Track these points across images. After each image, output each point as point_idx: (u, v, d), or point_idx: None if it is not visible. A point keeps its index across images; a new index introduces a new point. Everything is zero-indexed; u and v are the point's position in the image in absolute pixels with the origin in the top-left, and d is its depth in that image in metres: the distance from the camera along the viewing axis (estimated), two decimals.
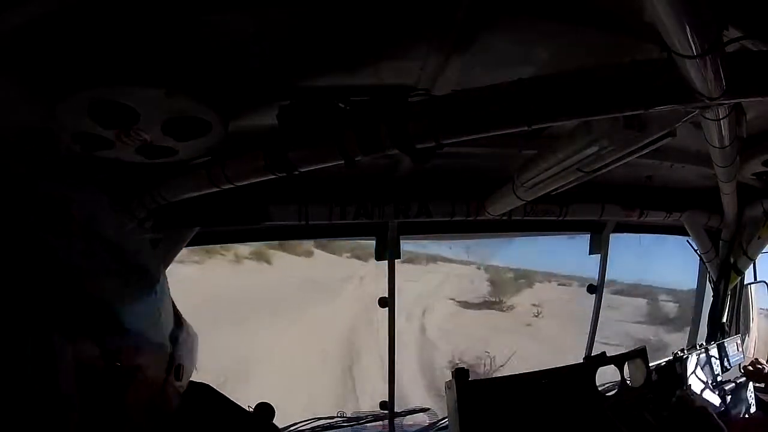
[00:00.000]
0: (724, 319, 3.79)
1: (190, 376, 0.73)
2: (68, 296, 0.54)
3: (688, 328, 4.19)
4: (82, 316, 0.54)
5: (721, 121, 1.83)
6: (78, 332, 0.53)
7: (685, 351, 3.27)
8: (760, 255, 3.69)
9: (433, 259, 19.05)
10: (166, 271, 2.77)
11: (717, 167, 2.40)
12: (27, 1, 1.24)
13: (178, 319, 0.70)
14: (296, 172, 1.93)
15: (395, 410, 3.24)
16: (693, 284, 4.17)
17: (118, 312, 0.58)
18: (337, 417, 3.21)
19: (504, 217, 2.91)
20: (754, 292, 3.90)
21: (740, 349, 3.67)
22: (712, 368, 3.41)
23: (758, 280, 3.89)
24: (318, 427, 3.09)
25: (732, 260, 3.69)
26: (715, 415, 2.77)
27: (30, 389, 0.48)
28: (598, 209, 3.13)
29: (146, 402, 0.62)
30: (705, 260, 3.75)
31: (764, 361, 3.41)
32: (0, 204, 0.52)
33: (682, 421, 2.66)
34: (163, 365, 0.65)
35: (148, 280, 0.66)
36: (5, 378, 0.47)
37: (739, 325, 3.89)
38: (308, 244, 15.55)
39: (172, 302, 0.72)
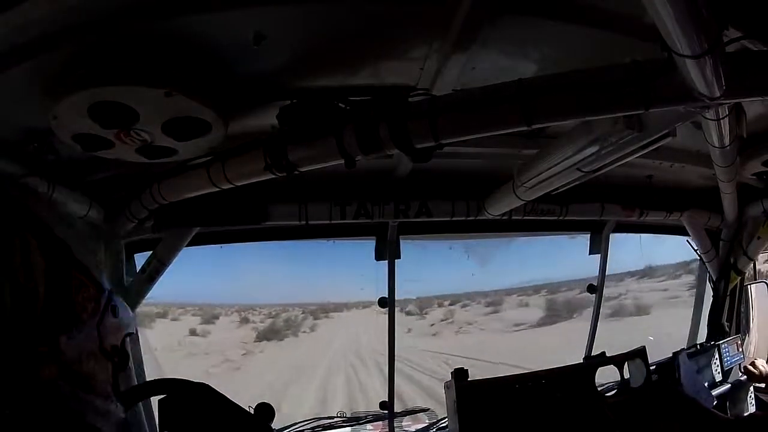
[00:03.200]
0: (724, 320, 3.79)
1: (124, 332, 0.90)
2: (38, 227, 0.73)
3: None
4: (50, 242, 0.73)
5: (721, 120, 1.83)
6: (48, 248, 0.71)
7: (685, 351, 3.27)
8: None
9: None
10: (165, 271, 2.77)
11: (717, 167, 2.40)
12: (27, 2, 1.24)
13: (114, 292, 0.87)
14: (296, 172, 1.93)
15: (394, 410, 3.23)
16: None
17: (73, 249, 0.76)
18: (337, 417, 3.22)
19: (504, 217, 2.91)
20: (754, 292, 3.89)
21: (740, 350, 3.66)
22: (711, 368, 3.41)
23: (758, 280, 3.89)
24: (318, 427, 3.09)
25: (732, 260, 3.68)
26: (706, 406, 2.77)
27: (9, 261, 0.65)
28: (597, 209, 3.13)
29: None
30: (705, 260, 3.75)
31: (764, 362, 3.41)
32: None
33: (674, 414, 2.66)
34: (104, 297, 0.82)
35: (93, 249, 0.89)
36: None
37: (739, 325, 3.88)
38: None
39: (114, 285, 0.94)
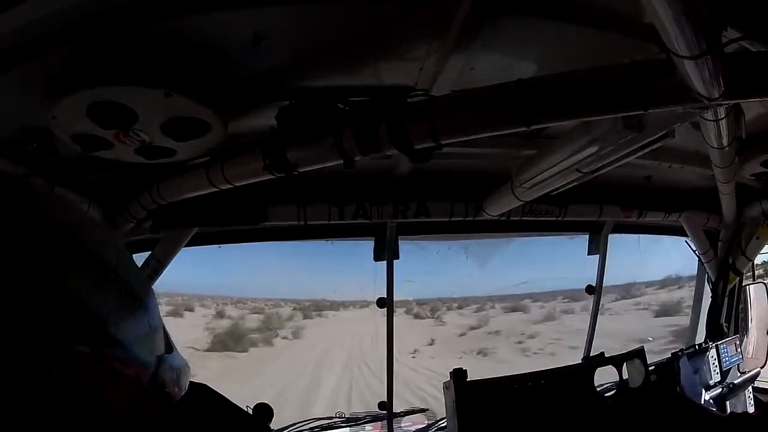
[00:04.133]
0: (723, 320, 3.79)
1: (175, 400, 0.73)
2: (64, 304, 0.57)
3: None
4: (75, 323, 0.56)
5: (720, 121, 1.83)
6: (70, 336, 0.55)
7: (684, 351, 3.28)
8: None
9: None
10: (166, 270, 2.77)
11: (716, 168, 2.40)
12: (27, 2, 1.23)
13: (169, 345, 0.71)
14: (295, 173, 1.93)
15: (393, 410, 3.23)
16: None
17: (110, 324, 0.60)
18: (336, 417, 3.22)
19: (503, 218, 2.91)
20: (753, 293, 3.90)
21: (738, 350, 3.67)
22: (710, 369, 3.42)
23: (757, 280, 3.90)
24: (317, 427, 3.09)
25: (731, 261, 3.69)
26: (704, 406, 2.78)
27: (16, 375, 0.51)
28: (596, 209, 3.13)
29: (124, 402, 0.62)
30: (704, 261, 3.75)
31: None
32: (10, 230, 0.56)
33: (672, 414, 2.67)
34: (145, 381, 0.66)
35: (139, 299, 0.67)
36: None
37: (738, 325, 3.89)
38: None
39: (164, 328, 0.73)
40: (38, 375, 0.52)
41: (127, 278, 0.67)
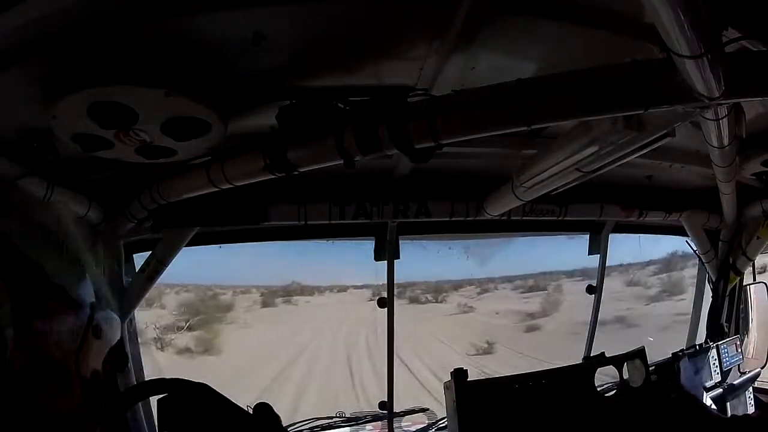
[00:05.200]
0: (723, 320, 3.79)
1: (110, 345, 0.82)
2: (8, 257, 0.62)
3: None
4: (21, 272, 0.62)
5: (721, 121, 1.83)
6: (17, 282, 0.61)
7: (684, 351, 3.28)
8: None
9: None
10: (166, 270, 2.76)
11: (716, 167, 2.40)
12: (27, 2, 1.23)
13: (105, 302, 0.78)
14: (296, 172, 1.93)
15: (394, 410, 3.24)
16: None
17: (48, 271, 0.67)
18: (336, 417, 3.22)
19: (503, 217, 2.91)
20: (754, 293, 3.90)
21: (739, 350, 3.67)
22: (710, 369, 3.42)
23: (757, 280, 3.90)
24: (317, 427, 3.10)
25: (731, 260, 3.69)
26: (705, 406, 2.78)
27: None
28: (597, 209, 3.13)
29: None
30: (704, 260, 3.75)
31: None
32: None
33: (673, 412, 2.67)
34: (83, 320, 0.73)
35: (77, 260, 0.75)
36: None
37: (738, 325, 3.89)
38: None
39: (106, 290, 0.83)
40: None
41: (68, 243, 0.76)
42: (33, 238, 0.64)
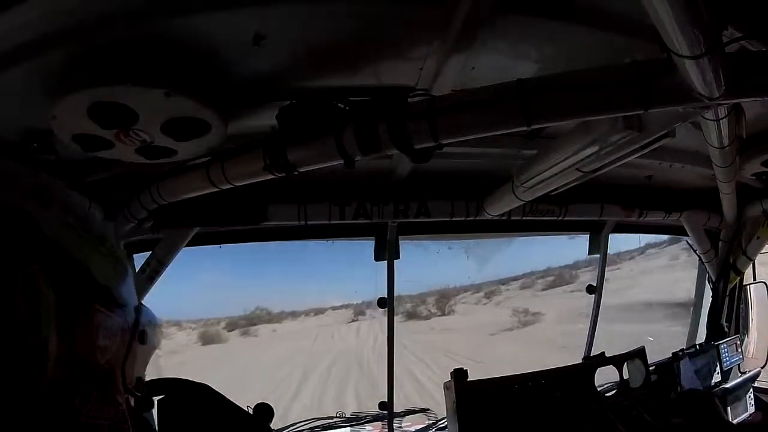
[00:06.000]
0: (723, 320, 3.79)
1: (154, 351, 0.77)
2: (52, 254, 0.59)
3: None
4: (65, 270, 0.59)
5: (721, 121, 1.83)
6: (60, 280, 0.57)
7: (685, 351, 3.28)
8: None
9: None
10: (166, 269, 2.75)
11: (716, 167, 2.40)
12: (27, 2, 1.23)
13: (140, 302, 0.73)
14: (296, 173, 1.93)
15: (394, 410, 3.24)
16: None
17: (93, 270, 0.63)
18: (337, 417, 3.22)
19: (503, 217, 2.91)
20: (754, 293, 3.90)
21: (739, 350, 3.67)
22: (710, 369, 3.42)
23: (758, 280, 3.90)
24: (317, 427, 3.10)
25: (731, 260, 3.69)
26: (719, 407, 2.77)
27: (14, 325, 0.52)
28: (597, 209, 3.13)
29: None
30: (704, 260, 3.76)
31: None
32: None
33: (687, 408, 2.66)
34: (130, 326, 0.70)
35: (116, 253, 0.70)
36: None
37: (739, 325, 3.89)
38: None
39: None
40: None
41: (108, 239, 0.71)
42: (76, 235, 0.57)
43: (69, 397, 0.57)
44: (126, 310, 0.64)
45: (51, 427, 0.54)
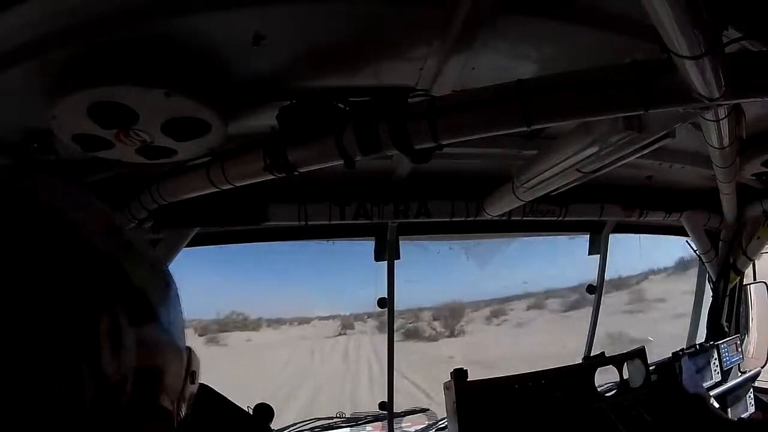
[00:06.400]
0: (723, 320, 3.79)
1: (197, 389, 0.74)
2: (119, 284, 0.58)
3: None
4: (128, 299, 0.58)
5: (721, 121, 1.83)
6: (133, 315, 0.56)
7: (685, 351, 3.28)
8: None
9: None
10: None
11: (716, 168, 2.40)
12: (27, 2, 1.23)
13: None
14: (296, 173, 1.93)
15: (394, 411, 3.24)
16: None
17: (154, 303, 0.62)
18: (337, 417, 3.22)
19: (504, 218, 2.91)
20: (754, 293, 3.90)
21: (739, 350, 3.67)
22: (710, 369, 3.42)
23: (758, 280, 3.90)
24: (317, 427, 3.10)
25: (731, 260, 3.69)
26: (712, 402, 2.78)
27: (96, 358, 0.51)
28: (597, 209, 3.13)
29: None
30: (704, 260, 3.76)
31: None
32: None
33: (679, 408, 2.67)
34: (182, 368, 0.68)
35: (169, 284, 0.68)
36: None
37: (739, 325, 3.89)
38: None
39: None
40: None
41: (161, 267, 0.69)
42: (134, 260, 0.54)
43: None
44: (178, 343, 0.61)
45: None
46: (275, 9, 1.44)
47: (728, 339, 3.66)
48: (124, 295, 0.54)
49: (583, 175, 2.16)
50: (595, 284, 3.70)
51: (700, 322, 3.99)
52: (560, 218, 3.05)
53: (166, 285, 0.65)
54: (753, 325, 3.92)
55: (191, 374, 0.70)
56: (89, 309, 0.49)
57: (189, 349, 0.71)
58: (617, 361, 2.93)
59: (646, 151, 1.91)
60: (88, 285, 0.50)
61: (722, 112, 1.78)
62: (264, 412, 2.13)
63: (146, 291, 0.59)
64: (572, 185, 2.32)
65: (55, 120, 1.63)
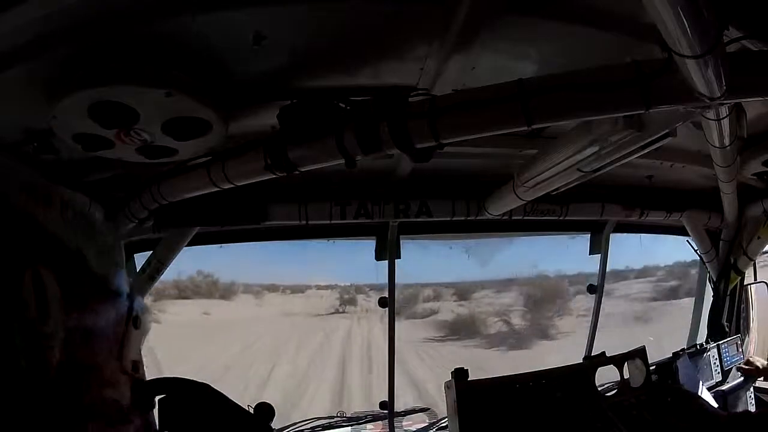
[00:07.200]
0: (724, 320, 3.79)
1: (147, 333, 0.76)
2: (50, 246, 0.59)
3: None
4: (62, 259, 0.59)
5: (722, 120, 1.83)
6: (62, 272, 0.57)
7: (685, 351, 3.28)
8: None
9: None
10: (166, 270, 2.75)
11: (717, 167, 2.40)
12: (27, 2, 1.24)
13: (135, 292, 0.73)
14: (296, 172, 1.93)
15: (394, 410, 3.24)
16: None
17: (89, 260, 0.64)
18: (337, 417, 3.22)
19: (504, 217, 2.91)
20: (754, 293, 3.90)
21: (740, 350, 3.67)
22: (711, 368, 3.42)
23: (758, 280, 3.90)
24: (318, 426, 3.10)
25: (732, 260, 3.69)
26: (705, 402, 2.78)
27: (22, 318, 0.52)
28: (598, 209, 3.13)
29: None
30: (705, 260, 3.75)
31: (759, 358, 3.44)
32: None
33: (672, 407, 2.67)
34: (123, 312, 0.70)
35: (108, 247, 0.70)
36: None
37: (739, 325, 3.89)
38: None
39: (131, 281, 0.76)
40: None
41: (100, 227, 0.70)
42: (73, 226, 0.58)
43: (74, 381, 0.58)
44: (121, 298, 0.65)
45: (60, 409, 0.56)
46: (276, 9, 1.44)
47: (729, 339, 3.65)
48: (46, 250, 0.55)
49: (583, 175, 2.16)
50: (595, 284, 3.70)
51: (701, 322, 3.99)
52: (561, 218, 3.05)
53: (93, 235, 0.66)
54: (753, 325, 3.92)
55: (134, 320, 0.72)
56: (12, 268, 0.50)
57: (131, 296, 0.72)
58: (618, 360, 2.92)
59: (646, 151, 1.91)
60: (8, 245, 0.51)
61: (723, 111, 1.78)
62: (264, 411, 2.13)
63: (81, 250, 0.60)
64: (573, 185, 2.32)
65: (55, 120, 1.63)
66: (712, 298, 3.82)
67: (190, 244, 2.75)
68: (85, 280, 0.55)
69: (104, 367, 0.59)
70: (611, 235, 3.63)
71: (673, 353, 3.21)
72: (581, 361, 2.93)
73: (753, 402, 3.53)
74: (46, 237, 0.52)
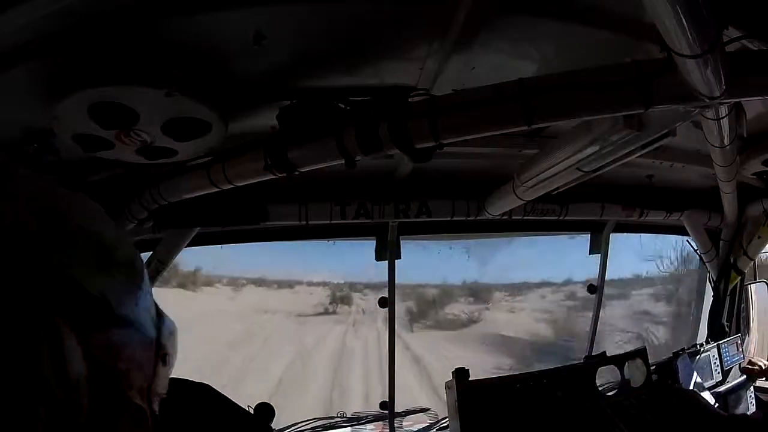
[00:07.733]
0: (724, 319, 3.79)
1: (173, 368, 0.73)
2: (66, 291, 0.54)
3: None
4: (80, 308, 0.55)
5: (721, 120, 1.83)
6: (78, 321, 0.53)
7: (685, 351, 3.28)
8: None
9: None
10: (167, 270, 2.75)
11: (717, 167, 2.40)
12: (27, 2, 1.23)
13: (158, 310, 0.69)
14: (296, 172, 1.93)
15: (395, 410, 3.24)
16: None
17: (113, 303, 0.59)
18: (337, 417, 3.22)
19: (504, 217, 2.91)
20: (754, 292, 3.90)
21: (740, 350, 3.67)
22: (711, 368, 3.42)
23: (758, 280, 3.90)
24: (318, 427, 3.10)
25: (732, 260, 3.69)
26: (705, 402, 2.79)
27: (39, 373, 0.48)
28: (598, 209, 3.13)
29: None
30: (705, 260, 3.75)
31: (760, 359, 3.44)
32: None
33: (671, 406, 2.67)
34: (151, 346, 0.66)
35: (136, 273, 0.65)
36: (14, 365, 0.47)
37: (739, 325, 3.89)
38: None
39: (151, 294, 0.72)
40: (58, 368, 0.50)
41: (128, 256, 0.65)
42: (84, 257, 0.52)
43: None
44: (147, 333, 0.58)
45: None
46: (276, 8, 1.44)
47: (729, 339, 3.65)
48: (70, 304, 0.51)
49: (583, 174, 2.16)
50: (596, 284, 3.70)
51: (701, 322, 3.99)
52: (561, 217, 3.05)
53: (131, 272, 0.63)
54: (754, 324, 3.92)
55: (162, 357, 0.68)
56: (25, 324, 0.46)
57: (158, 327, 0.68)
58: (618, 360, 2.93)
59: (646, 150, 1.91)
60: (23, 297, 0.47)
61: (723, 111, 1.78)
62: (265, 411, 2.13)
63: (105, 294, 0.56)
64: (573, 184, 2.32)
65: (55, 120, 1.63)
66: (712, 298, 3.82)
67: (190, 245, 2.75)
68: (107, 322, 0.50)
69: (132, 415, 0.56)
70: (611, 234, 3.63)
71: (673, 353, 3.21)
72: (582, 361, 2.94)
73: (753, 402, 3.53)
74: (61, 281, 0.47)
